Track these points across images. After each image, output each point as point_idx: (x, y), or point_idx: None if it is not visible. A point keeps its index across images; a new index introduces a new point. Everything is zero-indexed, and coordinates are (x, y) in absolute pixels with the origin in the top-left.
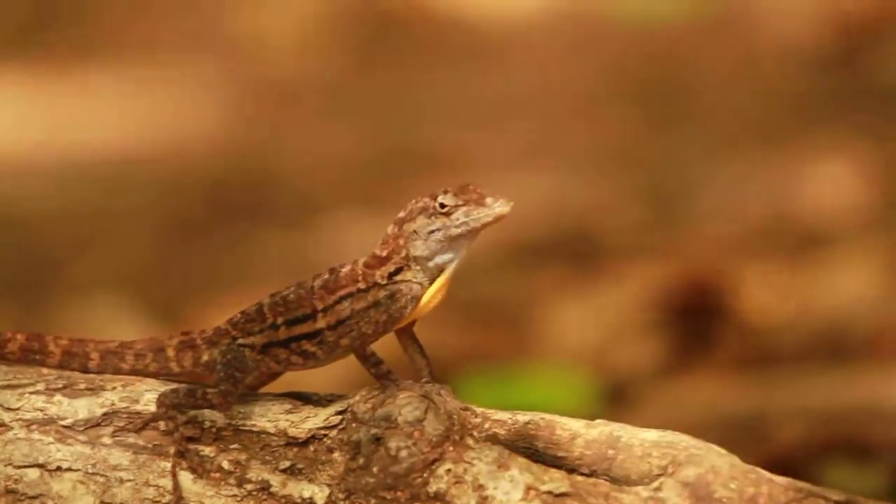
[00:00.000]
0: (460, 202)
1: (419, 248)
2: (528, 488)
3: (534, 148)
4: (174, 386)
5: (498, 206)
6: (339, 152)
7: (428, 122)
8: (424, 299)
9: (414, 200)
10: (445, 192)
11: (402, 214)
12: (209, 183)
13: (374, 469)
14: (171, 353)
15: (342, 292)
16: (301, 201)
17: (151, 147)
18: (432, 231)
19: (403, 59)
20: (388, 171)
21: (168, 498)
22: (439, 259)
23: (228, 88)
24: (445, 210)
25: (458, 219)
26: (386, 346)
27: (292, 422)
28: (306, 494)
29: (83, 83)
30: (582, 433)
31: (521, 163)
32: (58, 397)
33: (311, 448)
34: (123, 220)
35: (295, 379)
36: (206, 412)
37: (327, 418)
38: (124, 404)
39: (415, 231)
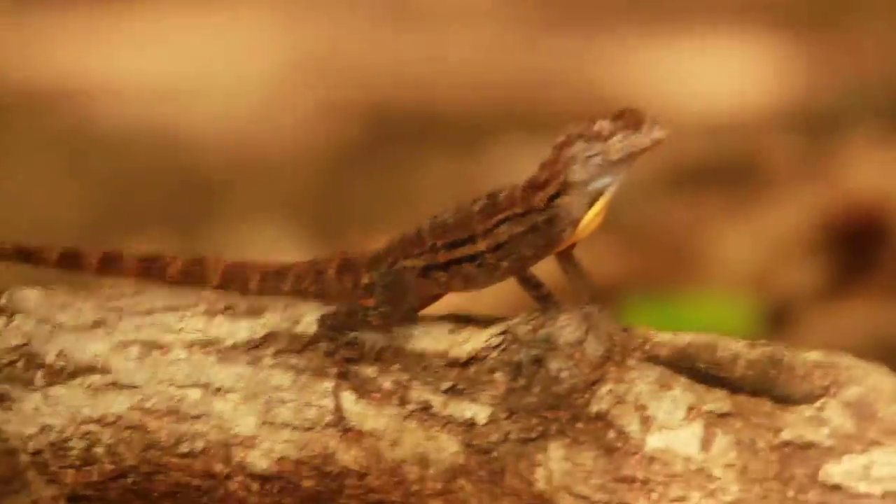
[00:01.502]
0: (618, 127)
1: (577, 173)
2: (690, 408)
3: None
4: (334, 307)
5: (656, 132)
6: (505, 79)
7: (592, 44)
8: (583, 223)
9: (572, 125)
10: (604, 118)
11: (560, 139)
12: (375, 108)
13: (536, 389)
14: (331, 274)
15: (501, 216)
16: (466, 127)
17: (317, 72)
18: (590, 156)
19: None
20: (552, 97)
21: (330, 418)
22: (597, 183)
23: (394, 14)
24: (604, 135)
25: (616, 144)
26: (547, 269)
27: (453, 343)
28: (468, 414)
29: (244, 7)
30: (744, 353)
31: (682, 82)
32: (219, 319)
33: (472, 369)
34: (288, 146)
35: (455, 301)
36: (367, 333)
37: (488, 339)
38: (285, 325)
39: (573, 156)
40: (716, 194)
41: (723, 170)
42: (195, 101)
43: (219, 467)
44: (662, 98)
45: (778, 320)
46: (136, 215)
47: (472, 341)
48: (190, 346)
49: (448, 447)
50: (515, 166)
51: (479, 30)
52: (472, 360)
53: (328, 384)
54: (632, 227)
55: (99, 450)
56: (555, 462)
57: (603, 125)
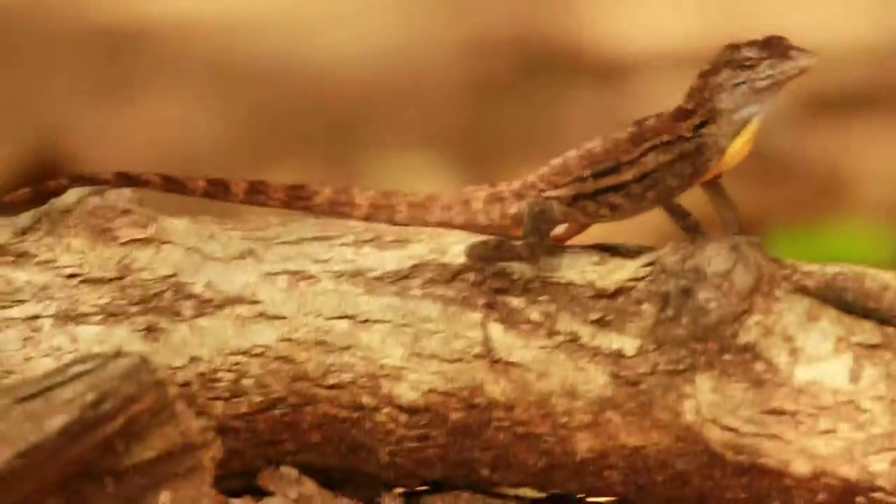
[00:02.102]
0: (765, 54)
1: (724, 101)
2: (839, 339)
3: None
4: (482, 238)
5: (803, 59)
6: (650, 14)
7: None
8: (730, 152)
9: (719, 53)
10: (750, 45)
11: (706, 67)
12: (518, 42)
13: (684, 320)
14: (478, 205)
15: (648, 145)
16: (609, 59)
17: (459, 5)
18: (737, 84)
19: None
20: (698, 28)
21: (478, 349)
22: (744, 112)
23: None
24: (750, 62)
25: (762, 71)
26: (694, 198)
27: (600, 273)
28: (616, 346)
29: None
30: (893, 284)
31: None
32: (366, 249)
33: (620, 300)
34: (431, 79)
35: (602, 231)
36: (515, 264)
37: (635, 270)
38: (432, 256)
39: (720, 84)
40: (859, 122)
41: (865, 96)
42: (339, 31)
43: (366, 399)
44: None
45: None
46: (281, 145)
47: (620, 272)
48: (338, 276)
49: (596, 379)
50: (659, 95)
51: None
52: (620, 290)
53: (476, 315)
54: (777, 157)
55: (247, 381)
56: (703, 394)
57: (750, 53)
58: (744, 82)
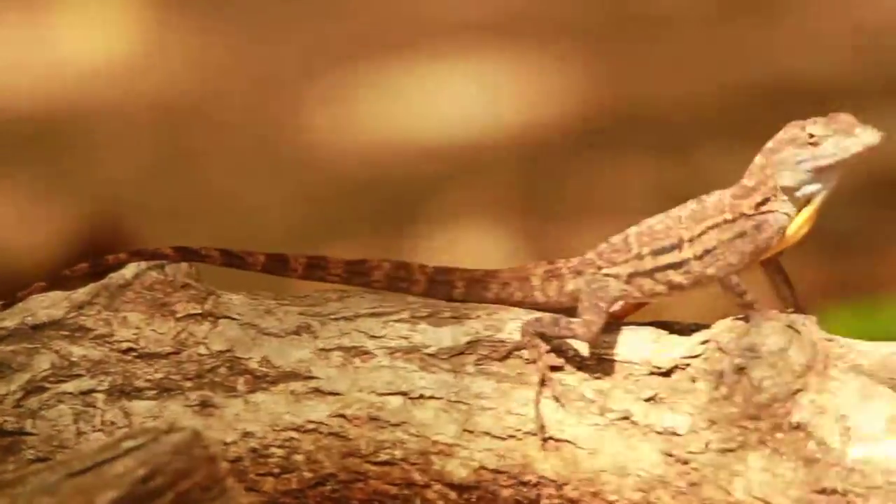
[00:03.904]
0: (829, 132)
1: (786, 178)
2: (892, 419)
3: None
4: (538, 315)
5: (868, 137)
6: (709, 85)
7: (796, 52)
8: (791, 230)
9: (782, 130)
10: (815, 122)
11: (770, 145)
12: (579, 113)
13: (737, 398)
14: (536, 282)
15: (709, 222)
16: (671, 133)
17: (514, 77)
18: (800, 161)
19: None
20: (758, 103)
21: (530, 426)
22: (806, 189)
23: (605, 15)
24: (814, 140)
25: (826, 149)
26: (749, 276)
27: (655, 351)
28: (668, 424)
29: None
30: None
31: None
32: (422, 325)
33: (674, 377)
34: (490, 150)
35: (659, 309)
36: (570, 341)
37: (691, 348)
38: (488, 333)
39: (782, 161)
40: None
41: None
42: (396, 103)
43: (417, 476)
44: None
45: None
46: (339, 220)
47: (675, 349)
48: (392, 352)
49: (648, 457)
50: (719, 171)
51: (690, 32)
52: (675, 368)
53: (529, 392)
54: (838, 234)
55: (299, 457)
56: (754, 472)
57: (814, 130)
58: (807, 160)
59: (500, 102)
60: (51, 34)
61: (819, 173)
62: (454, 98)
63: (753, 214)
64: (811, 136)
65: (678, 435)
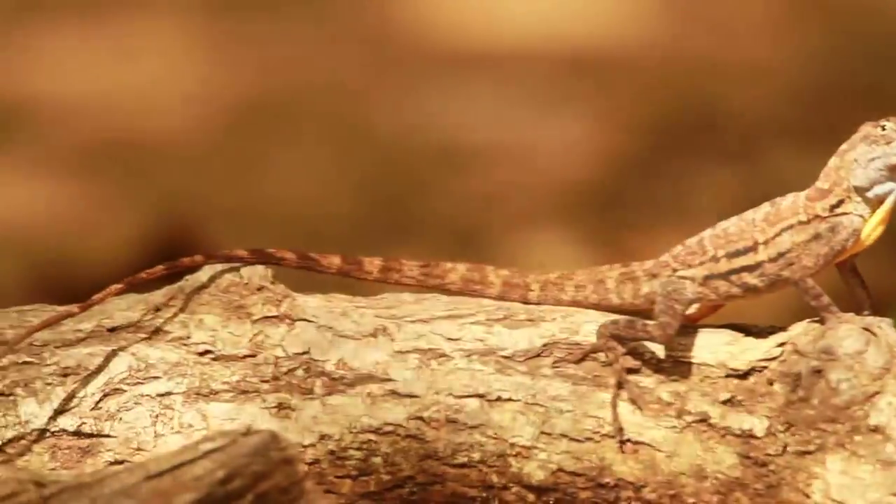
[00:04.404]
0: None
1: (859, 178)
2: None
3: None
4: (614, 317)
5: None
6: (785, 86)
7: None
8: (865, 231)
9: (857, 129)
10: (888, 120)
11: (844, 146)
12: (653, 116)
13: (814, 401)
14: (611, 284)
15: (783, 225)
16: (745, 135)
17: (592, 76)
18: (872, 159)
19: None
20: (837, 105)
21: (608, 429)
22: (879, 189)
23: (679, 13)
24: (886, 137)
25: None
26: (826, 278)
27: (732, 353)
28: (746, 426)
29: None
30: None
31: None
32: (497, 328)
33: (751, 380)
34: (565, 152)
35: (735, 311)
36: (646, 344)
37: (767, 350)
38: (564, 335)
39: (855, 160)
40: None
41: None
42: (470, 101)
43: (495, 478)
44: None
45: None
46: (415, 222)
47: (752, 352)
48: (469, 354)
49: (725, 459)
50: (792, 174)
51: (763, 31)
52: (752, 371)
53: (606, 394)
54: None
55: (376, 459)
56: (832, 475)
57: (886, 128)
58: (879, 158)
59: (575, 103)
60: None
61: (892, 171)
62: (524, 100)
63: (828, 216)
64: (883, 133)
65: (756, 437)
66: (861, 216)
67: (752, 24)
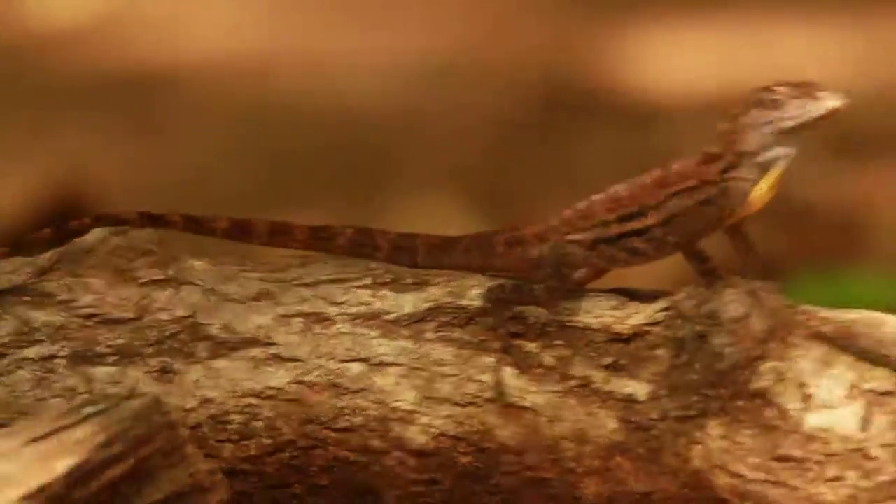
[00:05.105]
0: (793, 94)
1: (750, 142)
2: (852, 386)
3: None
4: (500, 281)
5: (831, 100)
6: (679, 55)
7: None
8: (755, 196)
9: (748, 94)
10: (779, 85)
11: (735, 110)
12: (543, 82)
13: (698, 366)
14: (498, 248)
15: (673, 189)
16: (636, 101)
17: (484, 43)
18: (763, 123)
19: None
20: (730, 75)
21: (490, 393)
22: (769, 154)
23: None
24: (777, 102)
25: (789, 111)
26: (714, 243)
27: (617, 318)
28: (628, 391)
29: None
30: None
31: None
32: (384, 291)
33: (635, 345)
34: (457, 118)
35: (621, 275)
36: (532, 308)
37: (652, 315)
38: (450, 299)
39: (746, 124)
40: (883, 166)
41: (890, 140)
42: (370, 72)
43: (376, 443)
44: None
45: None
46: (303, 186)
47: (636, 316)
48: (354, 318)
49: (607, 424)
50: (685, 139)
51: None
52: (635, 335)
53: (490, 359)
54: (802, 202)
55: (258, 424)
56: (713, 440)
57: (779, 92)
58: (770, 122)
59: (465, 70)
60: None
61: (782, 136)
62: (421, 67)
63: (717, 181)
64: (774, 98)
65: (638, 402)
66: (751, 181)
67: None
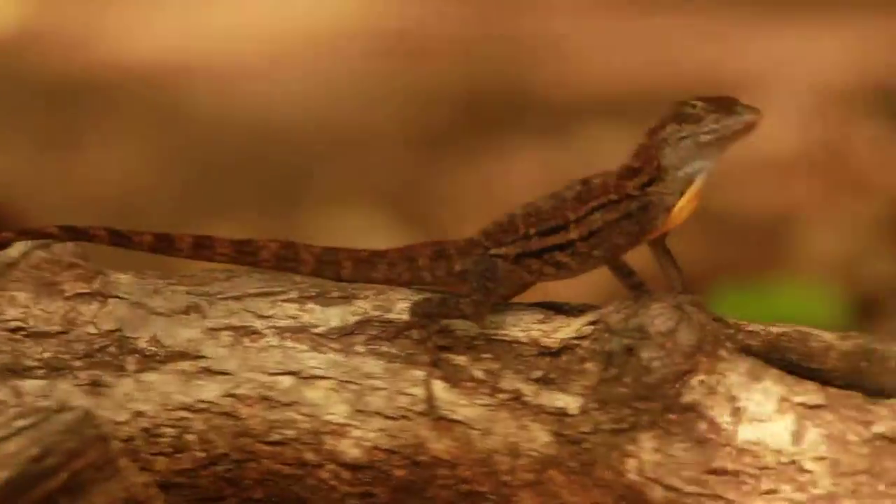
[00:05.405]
0: (710, 109)
1: (669, 157)
2: (782, 399)
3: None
4: (427, 295)
5: (748, 114)
6: (594, 63)
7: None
8: (676, 210)
9: (666, 109)
10: (697, 100)
11: (654, 125)
12: (462, 94)
13: (627, 379)
14: (423, 262)
15: (594, 203)
16: (554, 112)
17: (405, 54)
18: (682, 138)
19: None
20: (645, 84)
21: (421, 406)
22: (689, 168)
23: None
24: (695, 117)
25: (707, 125)
26: (638, 257)
27: (544, 332)
28: (559, 404)
29: None
30: (836, 345)
31: (776, 77)
32: (311, 305)
33: (564, 358)
34: (374, 132)
35: (546, 289)
36: (459, 321)
37: (579, 328)
38: (377, 313)
39: (665, 139)
40: (806, 183)
41: (812, 157)
42: (284, 84)
43: (310, 456)
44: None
45: (868, 309)
46: (226, 199)
47: (564, 330)
48: (282, 332)
49: (539, 437)
50: (603, 151)
51: (571, 12)
52: (564, 349)
53: (420, 372)
54: (723, 215)
55: (191, 437)
56: (646, 453)
57: (695, 107)
58: (688, 136)
59: (385, 83)
60: None
61: (700, 150)
62: (339, 81)
63: (639, 195)
64: (692, 112)
65: (569, 415)
66: (672, 194)
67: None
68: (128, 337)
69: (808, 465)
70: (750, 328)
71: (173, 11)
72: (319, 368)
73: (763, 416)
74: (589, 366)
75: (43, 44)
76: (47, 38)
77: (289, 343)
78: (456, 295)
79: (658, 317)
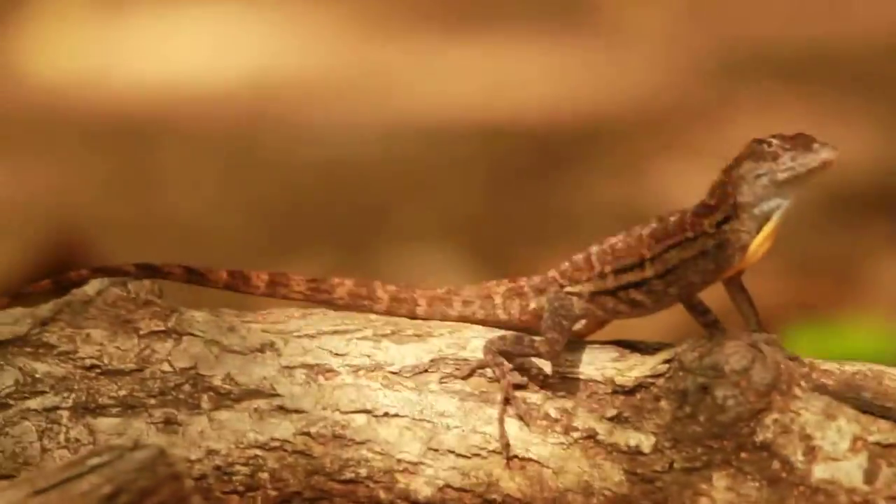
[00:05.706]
0: (787, 146)
1: (745, 194)
2: (856, 438)
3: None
4: (501, 333)
5: (825, 152)
6: (669, 102)
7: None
8: (752, 248)
9: (744, 147)
10: (774, 137)
11: (730, 162)
12: (537, 132)
13: (701, 418)
14: (498, 300)
15: (670, 241)
16: (629, 150)
17: (478, 97)
18: (758, 175)
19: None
20: (717, 120)
21: (494, 445)
22: (765, 205)
23: (562, 33)
24: (772, 154)
25: (784, 163)
26: (713, 295)
27: (619, 370)
28: (633, 442)
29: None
30: None
31: (837, 117)
32: (385, 343)
33: (638, 396)
34: (451, 170)
35: (622, 327)
36: (533, 360)
37: (654, 367)
38: (451, 351)
39: (741, 176)
40: (881, 222)
41: (885, 195)
42: (359, 126)
43: (382, 494)
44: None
45: None
46: (302, 238)
47: (639, 368)
48: (356, 370)
49: (612, 476)
50: (678, 189)
51: (649, 50)
52: (638, 387)
53: (493, 410)
54: (798, 254)
55: (263, 475)
56: (718, 492)
57: (772, 145)
58: (765, 174)
59: (460, 118)
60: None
61: (777, 188)
62: (415, 117)
63: (714, 233)
64: (769, 150)
65: (643, 454)
66: (748, 232)
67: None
68: (202, 375)
69: None
70: (824, 367)
71: (242, 45)
72: (393, 406)
73: (837, 454)
74: (663, 404)
75: (111, 79)
76: (115, 72)
77: (363, 381)
78: (530, 333)
79: (733, 355)
